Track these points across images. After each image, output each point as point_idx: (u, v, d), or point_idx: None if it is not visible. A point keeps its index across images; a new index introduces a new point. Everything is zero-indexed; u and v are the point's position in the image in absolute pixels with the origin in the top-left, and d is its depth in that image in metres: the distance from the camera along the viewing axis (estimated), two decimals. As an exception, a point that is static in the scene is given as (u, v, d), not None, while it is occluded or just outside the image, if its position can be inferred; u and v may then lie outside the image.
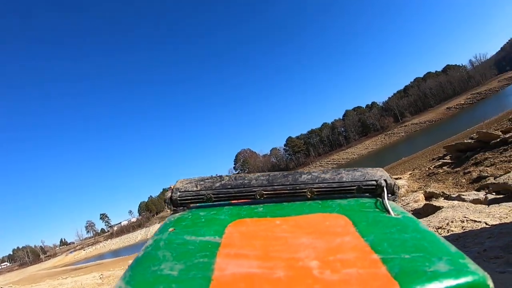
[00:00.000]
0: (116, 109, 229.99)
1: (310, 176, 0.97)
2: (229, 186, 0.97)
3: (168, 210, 1.01)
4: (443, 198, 8.38)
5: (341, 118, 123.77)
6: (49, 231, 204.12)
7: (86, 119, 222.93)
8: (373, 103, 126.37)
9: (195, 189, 0.98)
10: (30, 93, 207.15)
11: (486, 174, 9.43)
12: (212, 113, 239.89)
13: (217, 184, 0.98)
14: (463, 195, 6.88)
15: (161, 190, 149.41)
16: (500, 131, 12.02)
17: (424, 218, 5.88)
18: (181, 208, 1.00)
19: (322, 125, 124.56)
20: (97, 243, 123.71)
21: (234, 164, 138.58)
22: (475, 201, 5.97)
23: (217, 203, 0.99)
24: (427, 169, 15.86)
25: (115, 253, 79.07)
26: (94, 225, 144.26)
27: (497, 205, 4.28)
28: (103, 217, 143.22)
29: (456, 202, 6.26)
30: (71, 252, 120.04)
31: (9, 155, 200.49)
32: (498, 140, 11.46)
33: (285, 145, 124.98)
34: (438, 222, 4.68)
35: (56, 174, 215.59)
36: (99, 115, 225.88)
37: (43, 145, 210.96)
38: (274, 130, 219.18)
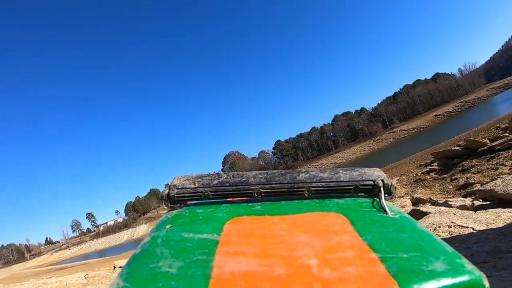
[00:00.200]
0: (103, 109, 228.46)
1: (308, 175, 0.97)
2: (227, 184, 0.96)
3: (165, 207, 0.98)
4: (430, 204, 8.42)
5: (330, 122, 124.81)
6: (35, 229, 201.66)
7: (74, 117, 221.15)
8: (362, 108, 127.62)
9: (192, 186, 0.97)
10: (11, 86, 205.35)
11: (473, 181, 9.51)
12: (200, 115, 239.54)
13: (215, 182, 0.97)
14: (450, 201, 6.91)
15: (148, 191, 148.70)
16: (488, 139, 12.14)
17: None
18: (178, 205, 0.98)
19: (311, 129, 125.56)
20: (83, 243, 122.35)
21: (222, 166, 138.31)
22: (462, 207, 5.99)
23: (214, 200, 0.98)
24: (414, 175, 15.97)
25: (101, 253, 78.24)
26: (80, 224, 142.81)
27: (484, 211, 4.29)
28: (89, 216, 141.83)
29: (443, 208, 6.28)
30: (56, 251, 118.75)
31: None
32: (485, 148, 11.57)
33: (273, 148, 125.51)
34: (426, 227, 4.67)
35: (43, 171, 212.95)
36: (86, 114, 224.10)
37: (29, 142, 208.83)
38: (263, 133, 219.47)
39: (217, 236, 0.76)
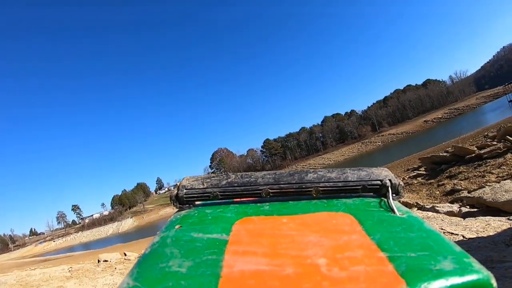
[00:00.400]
0: (92, 100, 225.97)
1: (316, 175, 0.97)
2: (235, 184, 0.97)
3: (174, 208, 0.99)
4: (416, 209, 8.40)
5: (320, 123, 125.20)
6: (19, 220, 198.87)
7: (61, 108, 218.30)
8: (352, 111, 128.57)
9: (201, 186, 0.98)
10: None
11: (460, 187, 9.53)
12: (190, 110, 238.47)
13: (223, 182, 0.98)
14: (437, 206, 6.89)
15: (135, 185, 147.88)
16: (476, 147, 12.21)
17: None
18: (187, 205, 0.99)
19: (301, 129, 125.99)
20: (68, 235, 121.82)
21: (210, 162, 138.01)
22: (449, 213, 5.96)
23: (223, 201, 0.98)
24: (401, 179, 15.99)
25: (86, 246, 77.46)
26: (66, 216, 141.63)
27: (473, 218, 4.24)
28: (75, 208, 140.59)
29: (430, 213, 6.24)
30: (40, 243, 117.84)
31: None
32: (473, 155, 11.63)
33: (262, 147, 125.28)
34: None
35: (29, 161, 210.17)
36: (73, 105, 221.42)
37: (14, 132, 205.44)
38: (252, 131, 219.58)
39: (226, 236, 0.76)
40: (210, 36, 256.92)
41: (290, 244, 0.71)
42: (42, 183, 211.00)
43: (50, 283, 9.30)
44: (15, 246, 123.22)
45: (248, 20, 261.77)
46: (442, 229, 3.75)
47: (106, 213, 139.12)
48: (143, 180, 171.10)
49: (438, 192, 10.38)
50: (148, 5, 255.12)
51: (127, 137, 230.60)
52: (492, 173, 9.33)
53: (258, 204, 0.95)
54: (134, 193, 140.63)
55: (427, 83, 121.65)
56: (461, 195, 8.63)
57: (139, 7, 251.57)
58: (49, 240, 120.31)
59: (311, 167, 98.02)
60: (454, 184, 10.12)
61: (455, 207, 6.57)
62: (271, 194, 0.95)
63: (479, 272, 0.59)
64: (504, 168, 9.24)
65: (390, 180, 0.95)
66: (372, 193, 0.97)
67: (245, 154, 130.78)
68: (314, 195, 0.94)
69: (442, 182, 11.24)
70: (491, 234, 3.37)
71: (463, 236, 3.40)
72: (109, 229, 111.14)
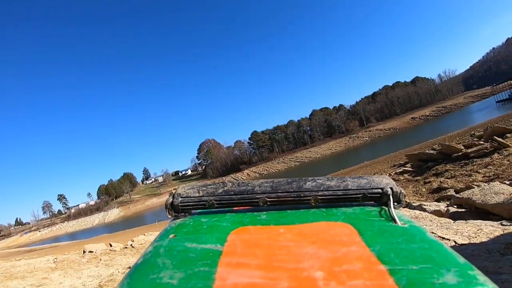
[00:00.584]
0: (78, 89, 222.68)
1: (314, 183, 0.95)
2: (232, 193, 0.96)
3: (169, 216, 0.98)
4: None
5: (308, 117, 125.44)
6: (4, 209, 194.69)
7: (46, 95, 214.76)
8: (341, 105, 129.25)
9: (197, 194, 0.96)
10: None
11: (446, 185, 9.48)
12: (178, 100, 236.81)
13: (220, 190, 0.97)
14: (424, 205, 6.78)
15: (122, 174, 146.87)
16: (463, 146, 12.18)
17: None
18: (182, 214, 0.97)
19: (288, 122, 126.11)
20: (53, 225, 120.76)
21: (198, 153, 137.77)
22: (436, 213, 5.85)
23: (219, 209, 0.97)
24: (387, 175, 15.95)
25: (71, 236, 76.85)
26: (51, 206, 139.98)
27: (463, 222, 4.10)
28: (61, 198, 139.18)
29: (417, 211, 6.12)
30: (26, 233, 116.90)
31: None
32: (460, 154, 11.60)
33: (249, 139, 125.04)
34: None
35: (14, 150, 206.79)
36: (59, 93, 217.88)
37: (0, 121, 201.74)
38: (240, 123, 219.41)
39: (220, 247, 0.74)
40: (198, 26, 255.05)
41: (286, 255, 0.69)
42: (28, 173, 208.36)
43: (34, 274, 9.05)
44: (0, 236, 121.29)
45: (236, 11, 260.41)
46: (433, 232, 3.61)
47: (92, 203, 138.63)
48: (130, 170, 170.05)
49: (424, 190, 10.32)
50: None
51: (114, 127, 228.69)
52: (479, 173, 9.29)
53: (255, 213, 0.93)
54: (121, 183, 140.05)
55: (416, 80, 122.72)
56: (448, 194, 8.57)
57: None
58: (35, 230, 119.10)
59: (298, 160, 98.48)
60: (441, 182, 10.07)
61: (442, 206, 6.47)
62: (268, 203, 0.93)
63: (484, 285, 0.57)
64: (490, 168, 9.19)
65: (391, 188, 0.92)
66: (372, 202, 0.95)
67: (232, 146, 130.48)
68: (313, 204, 0.93)
69: (428, 180, 11.19)
70: (483, 240, 3.22)
71: (455, 242, 3.25)
72: (95, 219, 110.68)
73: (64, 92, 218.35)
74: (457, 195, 5.76)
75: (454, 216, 5.41)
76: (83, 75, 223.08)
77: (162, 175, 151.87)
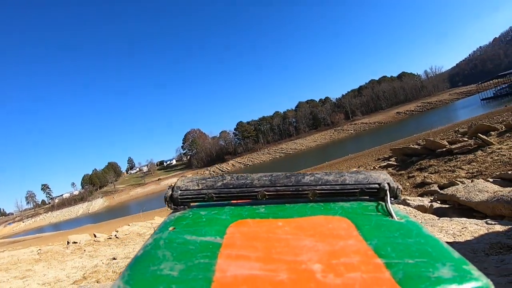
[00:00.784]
0: (62, 76, 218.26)
1: (313, 177, 0.96)
2: (231, 186, 0.96)
3: (168, 209, 0.98)
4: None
5: (294, 109, 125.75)
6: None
7: (28, 83, 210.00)
8: (327, 98, 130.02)
9: (196, 188, 0.97)
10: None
11: (430, 181, 9.55)
12: (163, 89, 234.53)
13: (219, 184, 0.97)
14: (408, 199, 6.80)
15: (106, 164, 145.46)
16: (447, 142, 12.29)
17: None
18: (181, 207, 0.98)
19: (274, 113, 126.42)
20: (37, 215, 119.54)
21: (183, 143, 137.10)
22: (420, 208, 5.86)
23: (218, 202, 0.98)
24: (372, 168, 16.09)
25: (55, 226, 75.88)
26: (35, 196, 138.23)
27: (448, 219, 4.09)
28: (45, 188, 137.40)
29: (402, 206, 6.13)
30: (9, 224, 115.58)
31: None
32: (444, 149, 11.70)
33: (235, 129, 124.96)
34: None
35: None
36: (42, 79, 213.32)
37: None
38: (226, 113, 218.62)
39: (220, 239, 0.75)
40: (184, 11, 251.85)
41: (284, 248, 0.70)
42: (11, 162, 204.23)
43: (18, 266, 9.01)
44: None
45: (229, 4, 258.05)
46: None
47: (76, 192, 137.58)
48: (114, 160, 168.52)
49: (408, 184, 10.38)
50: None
51: (98, 115, 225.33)
52: (462, 169, 9.37)
53: (254, 207, 0.94)
54: (105, 173, 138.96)
55: (402, 75, 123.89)
56: (431, 189, 8.63)
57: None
58: (18, 220, 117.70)
59: (283, 151, 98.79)
60: (425, 177, 10.14)
61: (426, 201, 6.49)
62: (267, 197, 0.94)
63: (478, 280, 0.58)
64: (474, 165, 9.29)
65: (388, 184, 0.93)
66: (369, 197, 0.96)
67: (217, 136, 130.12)
68: (311, 198, 0.94)
69: (412, 174, 11.27)
70: (468, 238, 3.20)
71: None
72: (79, 209, 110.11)
73: (48, 80, 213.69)
74: (441, 192, 5.76)
75: (438, 212, 5.42)
76: (66, 62, 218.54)
77: (147, 165, 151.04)
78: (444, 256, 0.64)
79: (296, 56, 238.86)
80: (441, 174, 9.79)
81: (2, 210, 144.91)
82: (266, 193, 0.93)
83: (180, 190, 0.95)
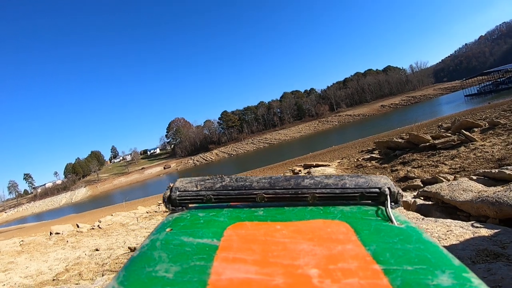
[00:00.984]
0: (44, 62, 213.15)
1: (312, 181, 0.95)
2: (229, 188, 0.95)
3: (166, 210, 0.98)
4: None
5: (279, 99, 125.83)
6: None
7: (12, 68, 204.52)
8: (312, 89, 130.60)
9: (194, 189, 0.96)
10: None
11: (413, 175, 9.53)
12: (149, 77, 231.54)
13: (218, 185, 0.96)
14: (391, 195, 6.71)
15: (89, 153, 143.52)
16: (430, 136, 12.30)
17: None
18: (179, 208, 0.97)
19: (259, 103, 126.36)
20: (20, 205, 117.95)
21: (167, 132, 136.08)
22: (403, 203, 5.77)
23: (216, 204, 0.97)
24: (355, 160, 16.09)
25: (38, 216, 74.93)
26: (17, 185, 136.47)
27: (433, 220, 3.99)
28: (27, 177, 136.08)
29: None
30: None
31: None
32: (427, 144, 11.71)
33: (219, 119, 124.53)
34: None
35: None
36: (25, 66, 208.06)
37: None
38: (211, 102, 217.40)
39: (217, 241, 0.75)
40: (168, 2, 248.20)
41: (282, 252, 0.69)
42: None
43: (0, 258, 8.91)
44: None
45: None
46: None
47: (59, 182, 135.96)
48: (98, 149, 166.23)
49: (391, 178, 10.26)
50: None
51: (81, 103, 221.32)
52: (445, 164, 9.36)
53: (252, 209, 0.94)
54: (88, 162, 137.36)
55: (388, 69, 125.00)
56: (414, 183, 8.60)
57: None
58: (0, 211, 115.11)
59: (267, 141, 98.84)
60: (408, 171, 10.12)
61: (409, 197, 6.43)
62: (266, 199, 0.93)
63: None
64: (457, 161, 9.28)
65: (389, 188, 0.92)
66: (370, 201, 0.95)
67: (202, 125, 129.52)
68: (310, 202, 0.93)
69: (395, 168, 11.25)
70: (454, 243, 3.07)
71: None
72: (62, 199, 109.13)
73: (31, 68, 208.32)
74: (426, 189, 5.68)
75: (422, 209, 5.34)
76: (48, 49, 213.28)
77: (131, 154, 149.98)
78: (443, 263, 0.63)
79: (283, 46, 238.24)
80: (424, 169, 9.77)
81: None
82: (265, 195, 0.92)
83: (179, 191, 0.94)
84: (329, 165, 16.44)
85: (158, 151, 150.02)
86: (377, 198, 0.91)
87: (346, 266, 0.62)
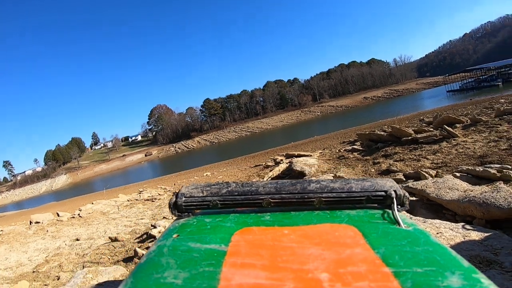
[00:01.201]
0: (23, 46, 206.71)
1: (319, 185, 0.97)
2: (236, 193, 0.96)
3: (172, 216, 1.00)
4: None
5: (262, 88, 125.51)
6: None
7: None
8: (295, 79, 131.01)
9: (200, 194, 0.97)
10: None
11: (395, 168, 9.49)
12: (131, 63, 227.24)
13: (224, 191, 0.97)
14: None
15: (70, 139, 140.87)
16: (413, 130, 12.31)
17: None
18: (185, 214, 0.98)
19: (242, 92, 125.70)
20: None
21: (149, 118, 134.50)
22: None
23: (223, 210, 0.98)
24: (337, 150, 16.04)
25: (18, 205, 73.20)
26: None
27: (421, 220, 3.92)
28: (6, 165, 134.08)
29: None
30: None
31: None
32: (409, 138, 11.71)
33: (202, 106, 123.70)
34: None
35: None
36: (7, 52, 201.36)
37: None
38: (193, 89, 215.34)
39: (225, 247, 0.75)
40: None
41: (290, 256, 0.69)
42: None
43: None
44: None
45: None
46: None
47: (39, 169, 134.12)
48: (78, 135, 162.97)
49: (373, 170, 10.29)
50: None
51: (62, 88, 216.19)
52: (427, 159, 9.34)
53: (259, 214, 0.94)
54: (69, 149, 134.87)
55: (372, 62, 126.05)
56: (397, 177, 8.56)
57: None
58: None
59: (249, 130, 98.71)
60: (390, 165, 10.07)
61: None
62: (272, 204, 0.94)
63: None
64: (439, 156, 9.27)
65: (395, 191, 0.94)
66: (376, 205, 0.97)
67: (184, 112, 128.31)
68: (317, 206, 0.94)
69: (377, 161, 11.20)
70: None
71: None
72: (42, 187, 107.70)
73: (10, 53, 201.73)
74: (411, 185, 5.59)
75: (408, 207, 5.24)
76: (27, 33, 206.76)
77: (112, 141, 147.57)
78: (453, 265, 0.63)
79: (267, 34, 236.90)
80: (406, 163, 9.74)
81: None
82: (272, 200, 0.93)
83: (185, 197, 0.96)
84: (311, 155, 16.35)
85: (139, 138, 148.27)
86: (384, 201, 0.93)
87: (356, 270, 0.63)
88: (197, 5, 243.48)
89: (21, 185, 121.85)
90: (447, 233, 3.21)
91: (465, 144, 9.38)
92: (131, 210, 12.49)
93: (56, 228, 10.51)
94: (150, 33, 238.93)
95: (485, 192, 4.15)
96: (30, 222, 12.21)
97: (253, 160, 26.70)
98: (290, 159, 16.15)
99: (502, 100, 19.47)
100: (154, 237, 7.06)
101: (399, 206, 0.91)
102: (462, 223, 3.57)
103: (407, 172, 8.54)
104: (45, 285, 5.22)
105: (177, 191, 0.95)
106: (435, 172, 7.74)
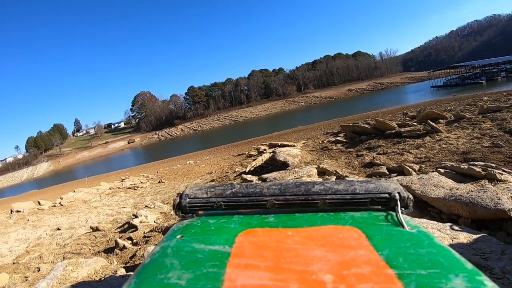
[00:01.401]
0: (6, 32, 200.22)
1: (323, 186, 0.98)
2: (240, 195, 0.97)
3: (176, 217, 1.02)
4: (335, 178, 8.11)
5: (246, 77, 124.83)
6: None
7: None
8: (280, 69, 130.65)
9: (204, 196, 0.98)
10: None
11: (379, 161, 9.45)
12: (114, 48, 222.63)
13: (228, 192, 0.98)
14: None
15: (52, 126, 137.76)
16: (396, 124, 12.31)
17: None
18: (189, 215, 0.99)
19: (226, 80, 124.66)
20: None
21: (132, 105, 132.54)
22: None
23: (227, 211, 0.99)
24: (321, 141, 15.98)
25: None
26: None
27: (409, 219, 3.75)
28: None
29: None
30: None
31: None
32: (393, 131, 11.71)
33: (186, 94, 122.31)
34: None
35: None
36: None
37: None
38: (178, 76, 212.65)
39: (229, 248, 0.75)
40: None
41: (295, 258, 0.70)
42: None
43: None
44: None
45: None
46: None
47: (20, 156, 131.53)
48: (60, 121, 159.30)
49: (356, 163, 10.24)
50: None
51: (43, 74, 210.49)
52: (411, 153, 9.33)
53: (263, 216, 0.95)
54: (50, 135, 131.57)
55: (357, 54, 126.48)
56: (380, 170, 8.52)
57: None
58: None
59: (233, 118, 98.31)
60: (373, 158, 10.04)
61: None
62: (276, 206, 0.95)
63: None
64: (422, 150, 9.27)
65: (399, 193, 0.95)
66: (380, 207, 0.97)
67: (168, 100, 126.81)
68: (321, 208, 0.95)
69: (361, 153, 11.16)
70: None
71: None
72: (23, 174, 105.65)
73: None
74: (396, 180, 5.51)
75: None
76: (12, 18, 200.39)
77: (94, 127, 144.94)
78: (456, 267, 0.64)
79: (253, 23, 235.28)
80: (390, 156, 9.72)
81: None
82: (276, 202, 0.94)
83: (189, 198, 0.97)
84: (294, 146, 16.26)
85: (122, 125, 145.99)
86: (387, 203, 0.94)
87: (359, 272, 0.63)
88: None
89: (1, 172, 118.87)
90: (435, 234, 3.12)
91: (449, 140, 9.41)
92: (113, 199, 12.36)
93: (37, 217, 10.39)
94: (134, 19, 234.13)
95: (472, 191, 4.10)
96: (11, 211, 12.05)
97: (236, 149, 26.57)
98: (273, 149, 16.01)
99: (486, 98, 19.71)
100: (135, 227, 6.89)
101: (403, 208, 0.92)
102: (450, 224, 3.50)
103: (390, 166, 8.51)
104: (25, 277, 5.05)
105: (180, 192, 0.96)
106: (418, 166, 7.71)
